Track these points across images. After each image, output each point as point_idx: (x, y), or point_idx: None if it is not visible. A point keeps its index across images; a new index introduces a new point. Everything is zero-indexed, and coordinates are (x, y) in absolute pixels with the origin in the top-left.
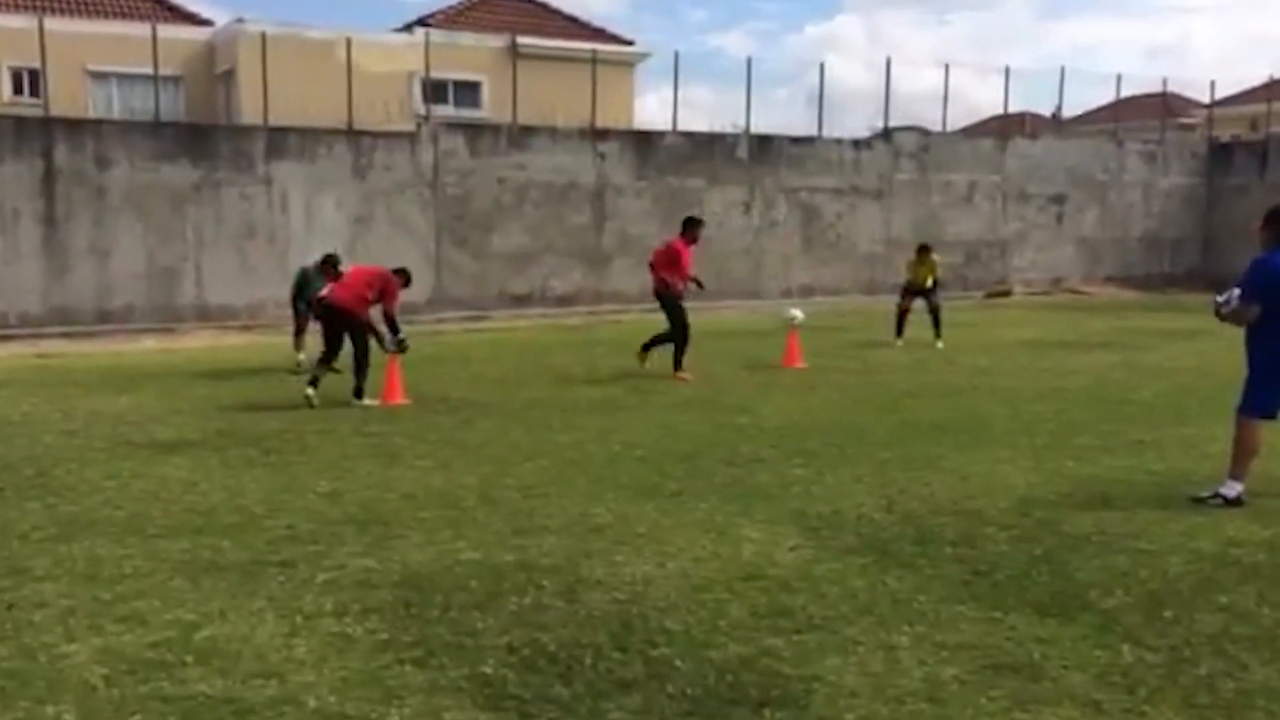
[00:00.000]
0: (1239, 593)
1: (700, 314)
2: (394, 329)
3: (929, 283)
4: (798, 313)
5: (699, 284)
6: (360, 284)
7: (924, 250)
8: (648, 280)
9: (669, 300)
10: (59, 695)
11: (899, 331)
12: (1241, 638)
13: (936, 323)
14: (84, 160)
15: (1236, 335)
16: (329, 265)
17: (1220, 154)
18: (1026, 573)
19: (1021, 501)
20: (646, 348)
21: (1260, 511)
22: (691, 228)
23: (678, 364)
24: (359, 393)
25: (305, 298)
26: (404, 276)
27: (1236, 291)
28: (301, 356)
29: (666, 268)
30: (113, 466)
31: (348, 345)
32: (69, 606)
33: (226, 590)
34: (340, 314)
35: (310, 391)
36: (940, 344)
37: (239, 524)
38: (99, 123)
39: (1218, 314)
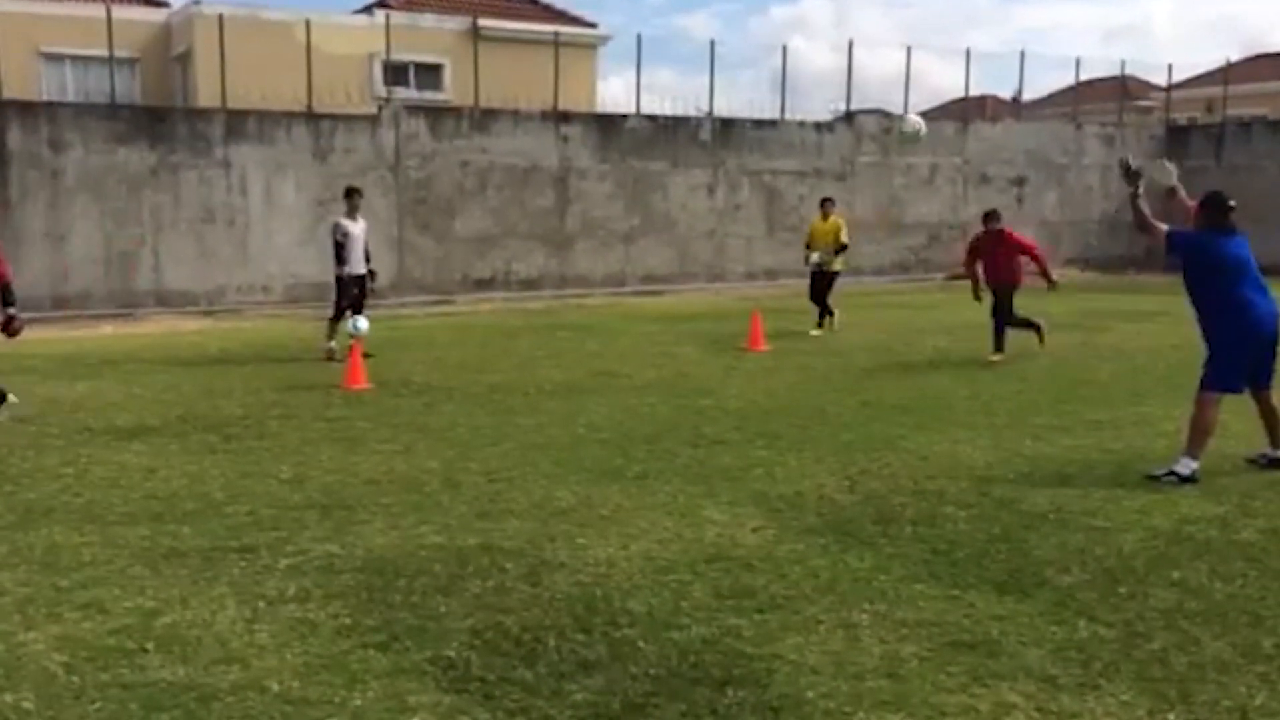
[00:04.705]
0: (1192, 569)
1: (665, 297)
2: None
3: (835, 254)
4: (918, 122)
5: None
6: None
7: (827, 203)
8: (612, 262)
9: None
10: (17, 683)
11: (820, 321)
12: (1194, 613)
13: (825, 304)
14: (38, 144)
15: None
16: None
17: (1177, 136)
18: (985, 551)
19: (980, 481)
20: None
21: (1213, 489)
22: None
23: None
24: None
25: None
26: None
27: (1175, 170)
28: (333, 344)
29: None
30: (70, 453)
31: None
32: (27, 595)
33: (187, 577)
34: None
35: None
36: (816, 332)
37: (199, 510)
38: (53, 105)
39: (1126, 172)
